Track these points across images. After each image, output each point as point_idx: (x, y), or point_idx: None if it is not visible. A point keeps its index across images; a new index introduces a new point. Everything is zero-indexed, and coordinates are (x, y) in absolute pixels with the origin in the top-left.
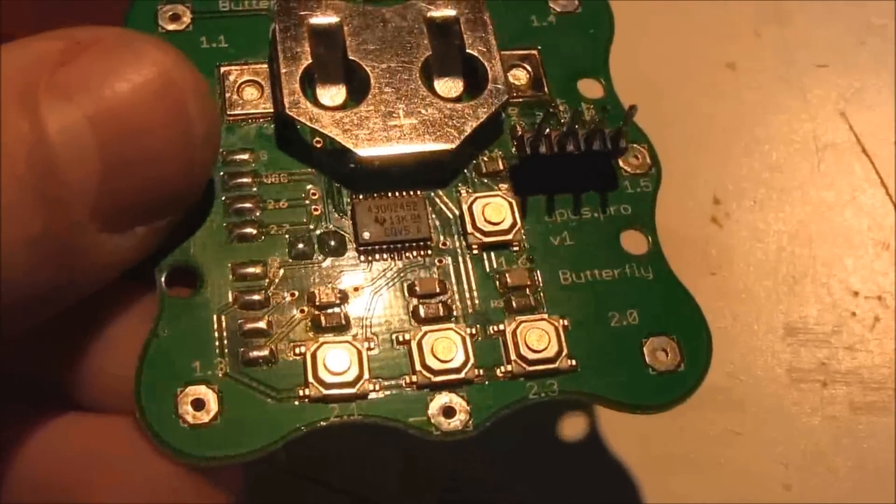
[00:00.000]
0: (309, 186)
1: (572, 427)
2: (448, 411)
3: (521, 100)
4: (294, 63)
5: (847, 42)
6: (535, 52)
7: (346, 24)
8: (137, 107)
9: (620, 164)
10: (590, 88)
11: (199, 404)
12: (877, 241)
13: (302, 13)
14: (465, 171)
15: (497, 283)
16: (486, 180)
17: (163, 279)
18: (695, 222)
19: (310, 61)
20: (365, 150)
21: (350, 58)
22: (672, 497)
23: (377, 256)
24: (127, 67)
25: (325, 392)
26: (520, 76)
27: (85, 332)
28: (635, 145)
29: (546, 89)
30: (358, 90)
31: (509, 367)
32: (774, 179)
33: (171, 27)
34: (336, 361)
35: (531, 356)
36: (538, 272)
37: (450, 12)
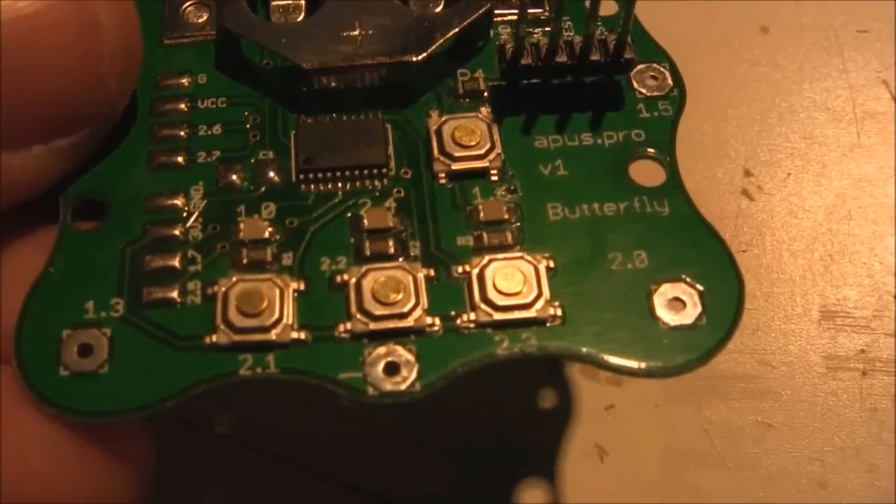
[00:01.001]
0: (249, 111)
1: (584, 415)
2: (390, 366)
3: (514, 16)
4: None
5: (889, 6)
6: None
7: None
8: (37, 8)
9: (634, 84)
10: (604, 7)
11: (85, 350)
12: None
13: None
14: (438, 91)
15: (467, 217)
16: (463, 101)
17: (69, 211)
18: (724, 195)
19: None
20: (310, 62)
21: None
22: (697, 496)
23: (321, 186)
24: None
25: (236, 338)
26: None
27: None
28: (654, 64)
29: (547, 5)
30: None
31: (472, 315)
32: (811, 151)
33: None
34: (250, 301)
35: (502, 301)
36: (520, 205)
37: None
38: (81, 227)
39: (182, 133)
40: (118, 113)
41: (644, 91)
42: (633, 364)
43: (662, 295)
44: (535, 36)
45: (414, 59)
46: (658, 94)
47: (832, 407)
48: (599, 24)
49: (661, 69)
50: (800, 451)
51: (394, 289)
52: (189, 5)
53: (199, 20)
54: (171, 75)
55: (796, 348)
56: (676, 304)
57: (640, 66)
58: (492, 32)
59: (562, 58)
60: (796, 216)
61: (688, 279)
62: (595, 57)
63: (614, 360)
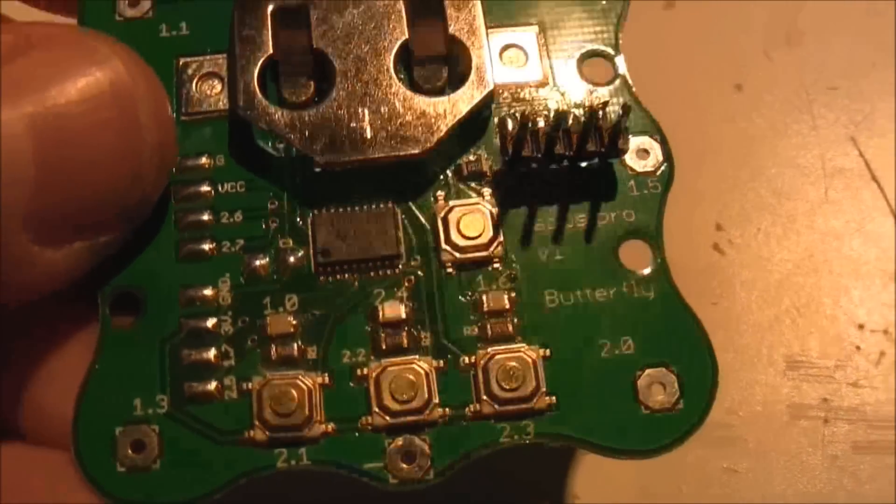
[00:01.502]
0: (267, 196)
1: (554, 463)
2: (407, 455)
3: (516, 88)
4: (252, 54)
5: (859, 64)
6: (534, 28)
7: (312, 6)
8: (81, 111)
9: (626, 160)
10: (597, 71)
11: (138, 446)
12: (885, 271)
13: None
14: (445, 173)
15: (473, 306)
16: (466, 185)
17: (107, 307)
18: (696, 249)
19: (271, 52)
20: (325, 158)
21: (315, 47)
22: None
23: (338, 276)
24: (74, 68)
25: (272, 435)
26: (516, 59)
27: (26, 358)
28: (646, 138)
29: (545, 73)
30: (329, 83)
31: (478, 407)
32: (781, 206)
33: (129, 13)
34: (283, 401)
35: (503, 394)
36: (520, 293)
37: None
38: (120, 322)
39: (207, 218)
40: (152, 208)
41: (635, 167)
42: (620, 447)
43: (645, 380)
44: (536, 110)
45: (421, 151)
46: (648, 169)
47: (795, 453)
48: (594, 91)
49: (654, 142)
50: (764, 497)
51: (409, 387)
52: (200, 78)
53: (213, 92)
54: (190, 157)
55: (762, 397)
56: (658, 389)
57: (631, 141)
58: (493, 107)
59: (560, 149)
60: (765, 270)
61: (668, 365)
62: (592, 147)
63: (603, 444)
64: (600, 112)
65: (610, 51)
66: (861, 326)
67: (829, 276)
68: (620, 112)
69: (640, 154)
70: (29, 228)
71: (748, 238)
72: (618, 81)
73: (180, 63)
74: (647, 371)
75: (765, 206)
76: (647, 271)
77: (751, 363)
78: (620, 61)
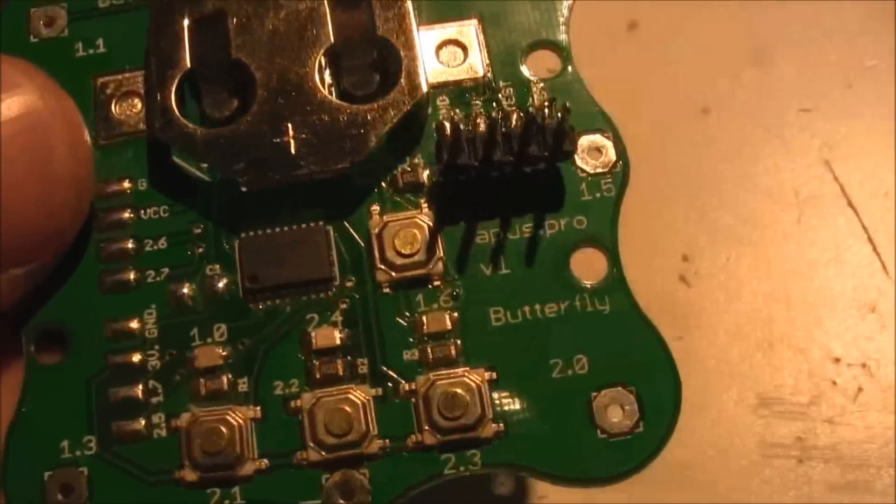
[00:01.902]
0: (191, 220)
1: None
2: (345, 492)
3: (453, 87)
4: (168, 70)
5: (833, 85)
6: (473, 22)
7: (231, 15)
8: None
9: (576, 161)
10: (543, 62)
11: (67, 490)
12: (861, 302)
13: (180, 6)
14: (379, 185)
15: (412, 328)
16: (403, 197)
17: (31, 345)
18: (661, 281)
19: (188, 67)
20: (247, 178)
21: (234, 57)
22: None
23: (268, 302)
24: None
25: (202, 475)
26: (454, 56)
27: None
28: (598, 136)
29: (485, 70)
30: (252, 93)
31: (420, 437)
32: (751, 234)
33: (45, 33)
34: (213, 439)
35: (446, 423)
36: (463, 312)
37: None
38: (46, 359)
39: (129, 246)
40: (71, 240)
41: (586, 168)
42: (574, 476)
43: (601, 402)
44: (475, 109)
45: (349, 164)
46: (601, 170)
47: (767, 495)
48: (540, 84)
49: (605, 141)
50: None
51: (345, 419)
52: (119, 97)
53: (133, 111)
54: (111, 182)
55: (731, 436)
56: (615, 411)
57: (582, 139)
58: (430, 110)
59: (499, 155)
60: (734, 302)
61: (626, 384)
62: (535, 151)
63: (556, 473)
64: (545, 111)
65: (557, 39)
66: (837, 360)
67: (803, 308)
68: (561, 108)
69: (592, 153)
70: None
71: (716, 269)
72: (567, 73)
73: (98, 82)
74: (603, 391)
75: (734, 235)
76: (601, 282)
77: (719, 400)
78: (569, 52)
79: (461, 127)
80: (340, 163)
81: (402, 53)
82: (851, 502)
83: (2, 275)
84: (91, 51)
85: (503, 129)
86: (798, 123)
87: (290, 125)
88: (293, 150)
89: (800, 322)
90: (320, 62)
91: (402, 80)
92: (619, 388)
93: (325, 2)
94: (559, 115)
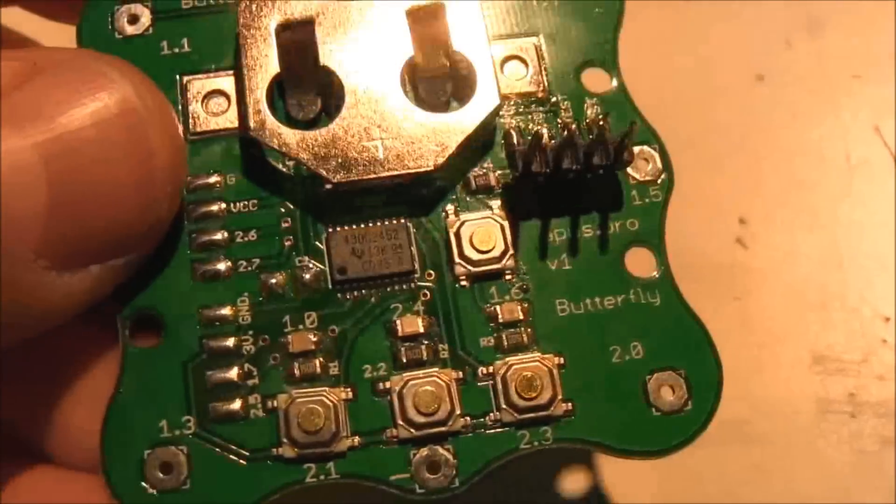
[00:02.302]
0: (280, 213)
1: (576, 466)
2: (432, 466)
3: (517, 99)
4: (259, 74)
5: (883, 52)
6: (534, 39)
7: (318, 22)
8: (91, 137)
9: (628, 170)
10: (596, 81)
11: (167, 468)
12: None
13: (269, 13)
14: (454, 187)
15: (487, 318)
16: (476, 198)
17: (126, 329)
18: (719, 244)
19: (277, 71)
20: (338, 177)
21: (322, 64)
22: None
23: (355, 293)
24: (82, 94)
25: (300, 452)
26: (517, 71)
27: (52, 382)
28: (646, 147)
29: (545, 85)
30: (336, 98)
31: (499, 416)
32: (804, 198)
33: (129, 31)
34: (311, 418)
35: (522, 403)
36: (532, 303)
37: (435, 2)
38: (141, 343)
39: (221, 237)
40: (167, 229)
41: (636, 176)
42: (633, 448)
43: (655, 383)
44: (538, 122)
45: (433, 167)
46: (649, 178)
47: (822, 449)
48: (595, 102)
49: (653, 152)
50: (791, 494)
51: (433, 400)
52: (206, 96)
53: (220, 110)
54: (200, 176)
55: (788, 393)
56: (667, 391)
57: (634, 150)
58: (497, 121)
59: (568, 163)
60: (789, 264)
61: (675, 368)
62: (598, 161)
63: (618, 446)
64: (601, 124)
65: (608, 61)
66: (887, 319)
67: (855, 269)
68: (628, 127)
69: (641, 163)
70: (44, 255)
71: (772, 232)
72: (616, 91)
73: (184, 81)
74: (656, 374)
75: (788, 199)
76: (652, 277)
77: (775, 359)
78: (618, 71)
79: (535, 139)
80: (423, 167)
81: (476, 66)
82: None
83: (110, 263)
84: (176, 49)
85: (571, 142)
86: (849, 90)
87: (377, 130)
88: (380, 154)
89: (851, 283)
90: (401, 72)
91: (479, 91)
92: (670, 372)
93: (406, 16)
94: (622, 128)
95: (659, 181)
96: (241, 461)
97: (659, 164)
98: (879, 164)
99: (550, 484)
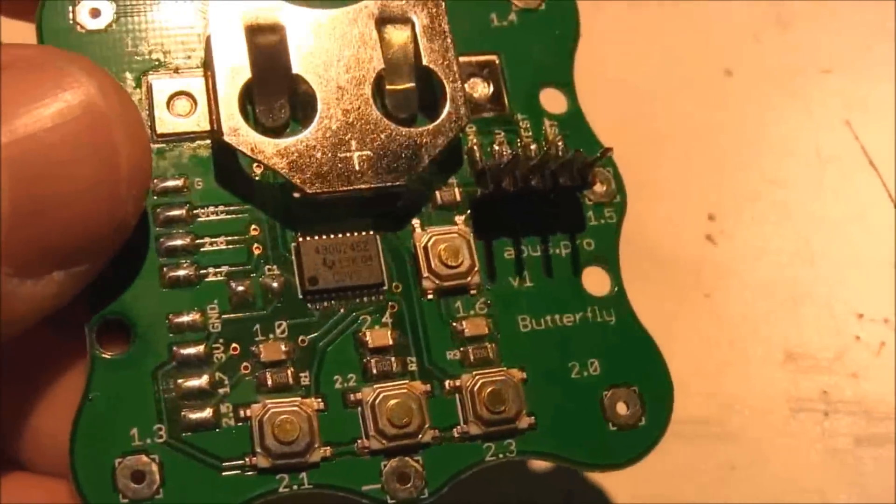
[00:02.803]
0: (248, 221)
1: (548, 467)
2: (402, 477)
3: (478, 115)
4: (232, 80)
5: (853, 46)
6: (494, 57)
7: (290, 30)
8: (54, 139)
9: (584, 191)
10: (553, 100)
11: (139, 477)
12: (883, 259)
13: (240, 16)
14: (422, 201)
15: (453, 332)
16: (442, 213)
17: (93, 335)
18: (688, 240)
19: (249, 76)
20: (314, 188)
21: (294, 72)
22: None
23: (325, 304)
24: (45, 93)
25: (274, 462)
26: (478, 87)
27: (24, 387)
28: (601, 169)
29: (507, 103)
30: (303, 105)
31: (466, 428)
32: (774, 194)
33: (91, 25)
34: (287, 428)
35: (490, 416)
36: (496, 319)
37: (404, 17)
38: (111, 350)
39: (187, 242)
40: (130, 231)
41: (591, 197)
42: (591, 461)
43: (611, 399)
44: (497, 139)
45: (405, 181)
46: (604, 199)
47: (794, 448)
48: (554, 123)
49: (607, 174)
50: (763, 493)
51: (405, 412)
52: (174, 98)
53: (185, 112)
54: (166, 178)
55: (759, 391)
56: (621, 407)
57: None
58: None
59: (538, 182)
60: (760, 260)
61: (629, 384)
62: (564, 182)
63: (577, 459)
64: (558, 146)
65: (565, 82)
66: (860, 316)
67: (826, 265)
68: (600, 152)
69: (597, 185)
70: (7, 262)
71: (742, 228)
72: (573, 110)
73: (150, 80)
74: (612, 390)
75: (758, 195)
76: (607, 296)
77: (746, 357)
78: (573, 92)
79: (500, 157)
80: (397, 179)
81: (446, 83)
82: (876, 453)
83: (74, 269)
84: (140, 46)
85: (536, 161)
86: (819, 84)
87: (353, 141)
88: (356, 166)
89: (824, 279)
90: (372, 84)
91: (448, 108)
92: (624, 388)
93: (375, 28)
94: (593, 157)
95: (613, 202)
96: (214, 470)
97: (613, 186)
98: (850, 158)
99: (523, 487)
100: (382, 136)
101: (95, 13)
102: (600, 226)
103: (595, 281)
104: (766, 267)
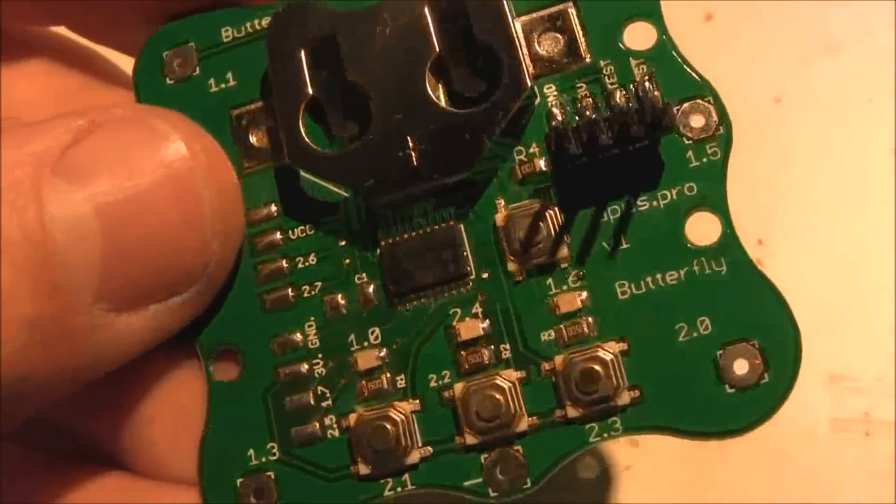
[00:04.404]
0: (336, 235)
1: (605, 474)
2: (504, 468)
3: (557, 72)
4: (291, 101)
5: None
6: (568, 5)
7: (341, 38)
8: (145, 192)
9: (681, 129)
10: (639, 37)
11: (259, 493)
12: None
13: (293, 37)
14: (499, 177)
15: (547, 310)
16: (522, 186)
17: (210, 366)
18: None
19: (311, 93)
20: (377, 196)
21: (350, 80)
22: None
23: (414, 302)
24: (136, 149)
25: (374, 467)
26: (552, 44)
27: (135, 400)
28: (698, 101)
29: (586, 53)
30: (368, 111)
31: (564, 412)
32: (821, 220)
33: (179, 74)
34: (378, 436)
35: (585, 397)
36: (591, 290)
37: None
38: (218, 374)
39: (284, 265)
40: (228, 268)
41: (690, 134)
42: (708, 429)
43: (726, 359)
44: (581, 92)
45: (468, 169)
46: (704, 135)
47: (837, 468)
48: (640, 61)
49: (706, 104)
50: None
51: (494, 405)
52: (254, 127)
53: (268, 140)
54: (259, 208)
55: (803, 410)
56: (740, 365)
57: (684, 106)
58: (537, 99)
59: (604, 140)
60: (806, 283)
61: (748, 339)
62: (635, 131)
63: (691, 428)
64: (646, 86)
65: (650, 9)
66: None
67: (870, 290)
68: (655, 90)
69: (694, 118)
70: (102, 299)
71: (789, 252)
72: (661, 44)
73: (233, 115)
74: (728, 348)
75: (806, 220)
76: (716, 244)
77: None
78: (661, 21)
79: (562, 121)
80: (460, 167)
81: (502, 54)
82: None
83: (168, 302)
84: (223, 85)
85: (605, 115)
86: (865, 112)
87: (409, 138)
88: (415, 161)
89: (867, 303)
90: (429, 72)
91: (506, 79)
92: (743, 344)
93: (427, 14)
94: (657, 91)
95: (716, 135)
96: (323, 481)
97: (714, 117)
98: (892, 185)
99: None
100: (440, 125)
101: (183, 62)
102: (702, 165)
103: (702, 230)
104: (811, 290)
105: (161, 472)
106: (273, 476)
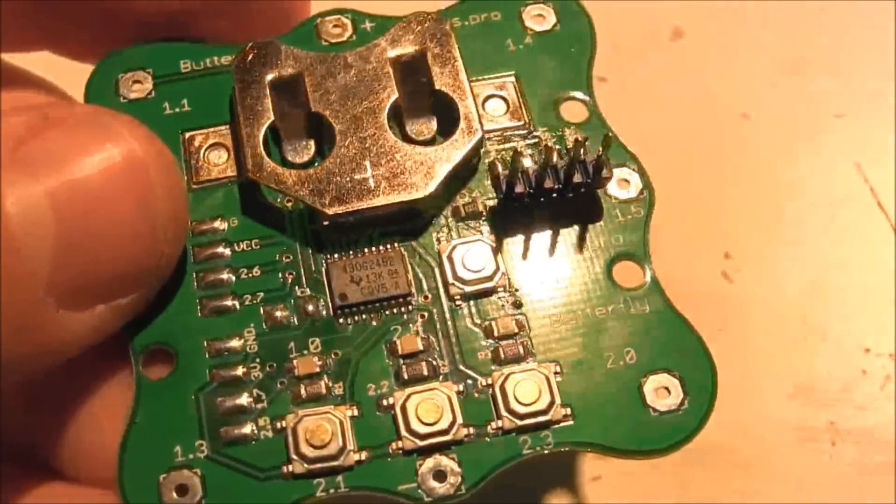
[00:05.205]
0: (280, 250)
1: (573, 485)
2: (438, 475)
3: (499, 132)
4: (255, 122)
5: (865, 92)
6: (511, 78)
7: (307, 74)
8: (98, 185)
9: (609, 191)
10: (573, 111)
11: (182, 490)
12: (890, 297)
13: (261, 68)
14: (443, 215)
15: (483, 333)
16: (465, 224)
17: (139, 362)
18: (704, 277)
19: (272, 119)
20: (334, 209)
21: (313, 111)
22: None
23: (356, 318)
24: (92, 145)
25: (309, 467)
26: (498, 107)
27: (65, 400)
28: (625, 168)
29: (526, 117)
30: (328, 140)
31: (500, 423)
32: (788, 233)
33: (133, 95)
34: (318, 434)
35: (522, 409)
36: (526, 316)
37: (415, 49)
38: (152, 373)
39: (226, 276)
40: (172, 269)
41: (618, 196)
42: (633, 448)
43: (651, 386)
44: (521, 147)
45: (422, 195)
46: (630, 197)
47: (803, 476)
48: (573, 129)
49: (631, 172)
50: None
51: (435, 410)
52: (207, 149)
53: (220, 161)
54: (205, 221)
55: (769, 421)
56: (663, 393)
57: (615, 171)
58: (481, 151)
59: (549, 183)
60: (772, 296)
61: (669, 370)
62: (578, 179)
63: (617, 447)
64: (581, 148)
65: (582, 95)
66: (867, 350)
67: (836, 302)
68: (601, 145)
69: (621, 184)
70: (52, 293)
71: (755, 266)
72: (594, 119)
73: (186, 136)
74: (651, 377)
75: (772, 234)
76: (640, 287)
77: (758, 388)
78: (593, 99)
79: (515, 162)
80: (414, 195)
81: (458, 104)
82: (879, 481)
83: (115, 303)
84: (177, 109)
85: (551, 163)
86: (831, 128)
87: (367, 164)
88: (372, 185)
89: (833, 315)
90: (387, 113)
91: (462, 125)
92: (665, 374)
93: (388, 60)
94: (599, 148)
95: (640, 199)
96: (253, 480)
97: (639, 184)
98: (860, 200)
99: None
100: (398, 156)
101: (137, 84)
102: (628, 222)
103: (627, 276)
104: (778, 303)
105: (91, 474)
106: (200, 473)
